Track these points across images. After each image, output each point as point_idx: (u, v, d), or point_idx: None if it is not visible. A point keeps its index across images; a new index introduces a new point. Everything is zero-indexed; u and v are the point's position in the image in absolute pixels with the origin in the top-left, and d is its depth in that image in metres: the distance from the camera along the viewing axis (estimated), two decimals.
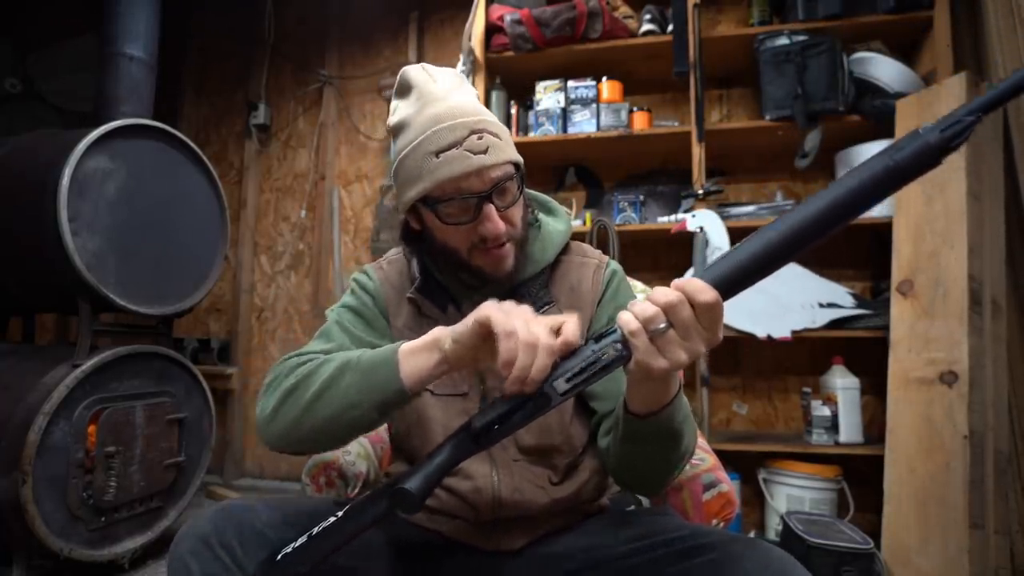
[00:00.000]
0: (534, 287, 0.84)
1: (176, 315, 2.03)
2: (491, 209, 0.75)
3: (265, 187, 3.10)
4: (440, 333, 0.67)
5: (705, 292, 0.55)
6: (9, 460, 1.55)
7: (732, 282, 0.56)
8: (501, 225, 0.75)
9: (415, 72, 0.81)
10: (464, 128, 0.74)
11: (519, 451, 0.81)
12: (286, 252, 3.04)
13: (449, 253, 0.79)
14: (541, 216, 0.89)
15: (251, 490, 2.78)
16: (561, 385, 0.60)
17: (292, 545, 0.64)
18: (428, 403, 0.83)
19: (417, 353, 0.67)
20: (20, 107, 2.92)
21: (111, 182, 1.81)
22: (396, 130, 0.81)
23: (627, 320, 0.57)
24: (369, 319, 0.87)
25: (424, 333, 0.73)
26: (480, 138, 0.74)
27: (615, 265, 0.92)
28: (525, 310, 0.62)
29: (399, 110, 0.81)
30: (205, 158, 2.10)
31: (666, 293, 0.56)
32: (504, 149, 0.76)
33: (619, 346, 0.59)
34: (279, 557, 0.64)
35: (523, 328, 0.59)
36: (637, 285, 1.20)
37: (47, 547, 1.58)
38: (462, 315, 0.76)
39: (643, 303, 0.57)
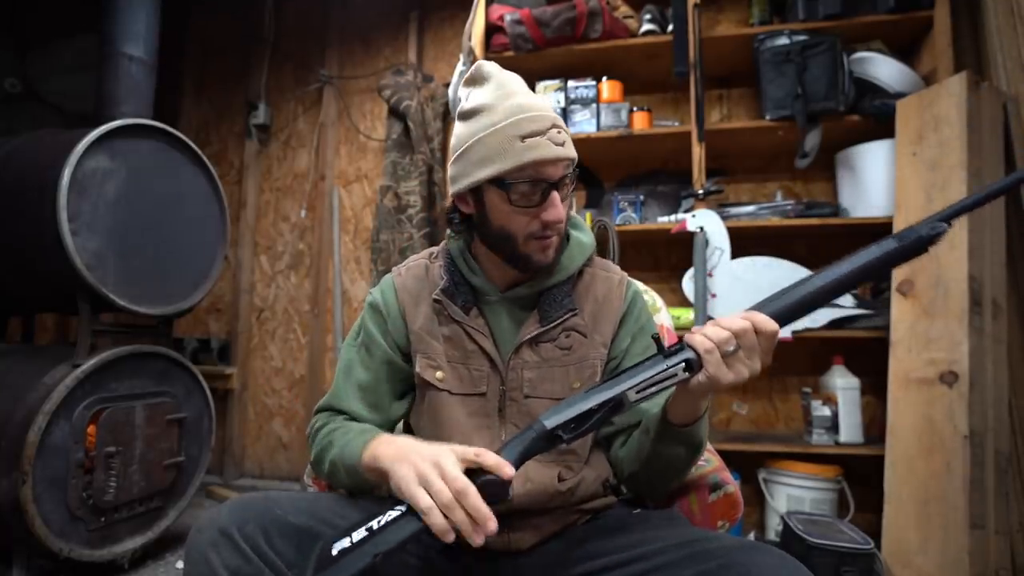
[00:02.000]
0: (559, 294, 0.88)
1: (176, 315, 2.03)
2: (557, 197, 0.81)
3: (265, 187, 3.10)
4: (390, 458, 0.72)
5: (770, 323, 0.68)
6: (9, 460, 1.55)
7: (786, 318, 0.70)
8: (563, 212, 0.81)
9: (492, 65, 0.87)
10: (547, 120, 0.80)
11: None
12: (286, 252, 3.04)
13: (504, 237, 0.83)
14: (570, 231, 0.94)
15: (251, 490, 2.77)
16: (632, 395, 0.69)
17: (349, 539, 0.64)
18: (446, 402, 0.86)
19: (372, 469, 0.76)
20: (20, 107, 2.92)
21: (111, 182, 1.81)
22: (472, 113, 0.84)
23: (701, 340, 0.68)
24: (378, 346, 0.91)
25: (442, 333, 0.88)
26: (559, 132, 0.81)
27: (637, 286, 0.98)
28: (427, 462, 0.67)
29: (474, 96, 0.85)
30: (205, 158, 2.10)
31: (738, 321, 0.68)
32: (572, 148, 0.83)
33: (690, 361, 0.69)
34: (335, 552, 0.63)
35: (434, 491, 0.64)
36: (639, 285, 1.20)
37: (47, 547, 1.58)
38: (483, 317, 0.88)
39: (715, 328, 0.68)
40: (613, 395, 0.69)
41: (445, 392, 0.86)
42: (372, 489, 0.80)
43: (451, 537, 0.63)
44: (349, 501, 0.84)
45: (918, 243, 0.71)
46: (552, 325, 0.86)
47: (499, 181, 0.80)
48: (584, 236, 0.94)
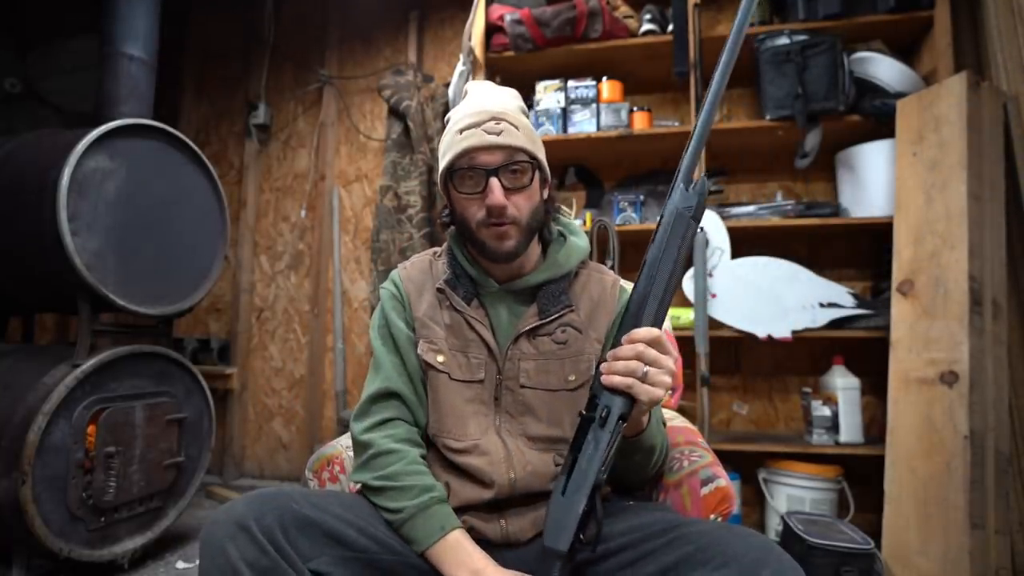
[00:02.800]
0: (556, 290, 0.93)
1: (176, 315, 2.02)
2: (495, 183, 0.85)
3: (265, 187, 3.10)
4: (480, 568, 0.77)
5: (650, 331, 0.74)
6: (9, 460, 1.55)
7: (659, 318, 0.76)
8: (501, 199, 0.85)
9: (474, 84, 0.97)
10: (486, 114, 0.87)
11: (527, 439, 0.89)
12: (286, 252, 3.04)
13: (464, 226, 0.90)
14: (564, 231, 1.00)
15: (251, 490, 2.77)
16: (602, 476, 0.73)
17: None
18: (445, 384, 0.91)
19: (450, 560, 0.79)
20: (20, 107, 2.91)
21: (111, 182, 1.81)
22: (445, 123, 0.95)
23: (621, 380, 0.72)
24: (399, 329, 0.95)
25: (443, 320, 0.93)
26: (497, 123, 0.86)
27: (629, 289, 1.00)
28: None
29: (453, 109, 0.95)
30: (205, 158, 2.10)
31: (631, 349, 0.73)
32: (519, 138, 0.87)
33: (624, 414, 0.73)
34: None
35: None
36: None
37: (47, 547, 1.58)
38: (484, 308, 0.94)
39: (622, 363, 0.73)
40: (591, 488, 0.72)
41: (445, 375, 0.91)
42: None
43: None
44: (361, 499, 0.87)
45: (700, 209, 0.78)
46: (550, 319, 0.91)
47: (448, 173, 0.89)
48: (579, 240, 0.99)
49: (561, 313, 0.91)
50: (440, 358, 0.91)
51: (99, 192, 1.77)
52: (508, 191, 0.86)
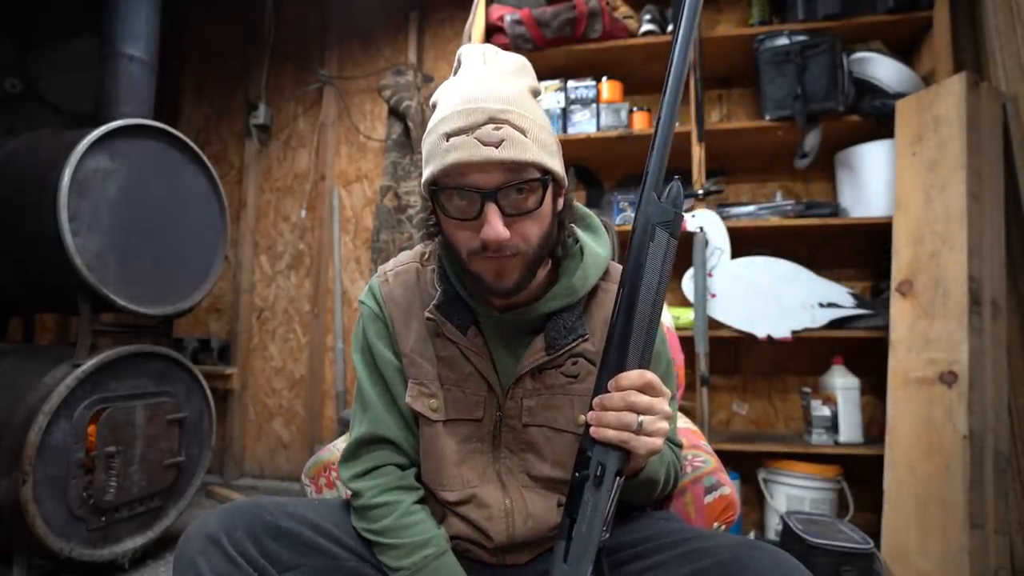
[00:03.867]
0: (569, 319, 0.78)
1: (176, 315, 2.02)
2: (492, 211, 0.66)
3: (265, 187, 3.10)
4: None
5: (641, 374, 0.64)
6: (9, 460, 1.55)
7: (645, 354, 0.66)
8: (502, 232, 0.66)
9: (468, 49, 0.75)
10: (482, 114, 0.66)
11: (531, 479, 0.81)
12: (286, 252, 3.04)
13: (453, 251, 0.73)
14: (582, 236, 0.81)
15: (251, 490, 2.78)
16: (605, 536, 0.66)
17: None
18: (438, 433, 0.80)
19: None
20: (20, 107, 2.91)
21: (111, 182, 1.81)
22: (432, 108, 0.74)
23: (613, 436, 0.63)
24: (385, 360, 0.83)
25: (435, 353, 0.79)
26: (497, 128, 0.65)
27: None
28: None
29: (441, 87, 0.74)
30: (205, 158, 2.10)
31: (620, 398, 0.64)
32: (526, 148, 0.66)
33: (620, 469, 0.65)
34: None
35: None
36: None
37: (47, 547, 1.58)
38: (482, 336, 0.79)
39: (610, 416, 0.64)
40: (595, 551, 0.66)
41: (438, 424, 0.80)
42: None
43: None
44: (339, 507, 0.84)
45: (677, 221, 0.67)
46: (559, 353, 0.78)
47: (432, 187, 0.70)
48: (600, 247, 0.81)
49: (573, 344, 0.78)
50: (432, 403, 0.79)
51: (100, 192, 1.77)
52: (511, 217, 0.67)
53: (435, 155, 0.68)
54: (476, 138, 0.65)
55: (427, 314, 0.79)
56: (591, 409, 0.66)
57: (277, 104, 3.09)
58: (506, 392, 0.79)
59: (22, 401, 1.62)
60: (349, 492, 0.83)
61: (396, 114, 2.69)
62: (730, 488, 0.93)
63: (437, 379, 0.80)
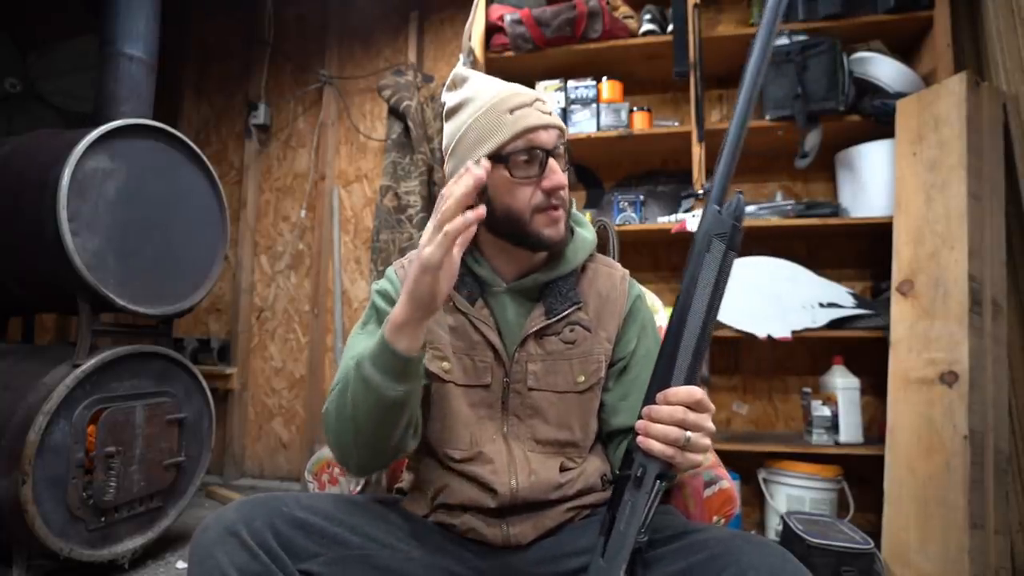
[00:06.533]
0: (564, 287, 0.89)
1: (176, 315, 2.02)
2: (555, 163, 0.82)
3: (265, 187, 3.11)
4: (400, 304, 0.71)
5: (691, 392, 0.67)
6: (9, 460, 1.55)
7: (694, 370, 0.68)
8: (563, 178, 0.82)
9: (468, 70, 0.91)
10: (530, 95, 0.84)
11: (536, 442, 0.85)
12: (286, 252, 3.04)
13: (512, 218, 0.83)
14: (574, 226, 0.95)
15: (251, 490, 2.78)
16: (641, 539, 0.68)
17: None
18: (450, 393, 0.86)
19: (396, 325, 0.70)
20: (20, 107, 2.91)
21: (111, 182, 1.81)
22: (458, 107, 0.87)
23: (660, 450, 0.66)
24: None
25: (447, 323, 0.87)
26: (544, 104, 0.84)
27: (639, 287, 0.98)
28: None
29: (457, 95, 0.88)
30: (205, 158, 2.10)
31: (670, 413, 0.66)
32: (560, 120, 0.85)
33: (661, 475, 0.68)
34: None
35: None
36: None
37: (47, 547, 1.58)
38: (488, 308, 0.88)
39: (657, 429, 0.66)
40: (630, 550, 0.67)
41: (451, 384, 0.86)
42: (398, 380, 0.71)
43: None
44: (351, 500, 0.85)
45: (735, 234, 0.69)
46: (558, 318, 0.87)
47: (497, 156, 0.82)
48: (587, 232, 0.95)
49: (569, 311, 0.87)
50: (444, 365, 0.85)
51: (99, 192, 1.77)
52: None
53: (500, 127, 0.82)
54: (536, 108, 0.82)
55: None
56: (640, 418, 0.69)
57: (277, 104, 3.09)
58: (512, 357, 0.86)
59: (22, 401, 1.62)
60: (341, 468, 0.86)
61: (396, 114, 2.69)
62: (729, 483, 0.93)
63: (449, 346, 0.87)
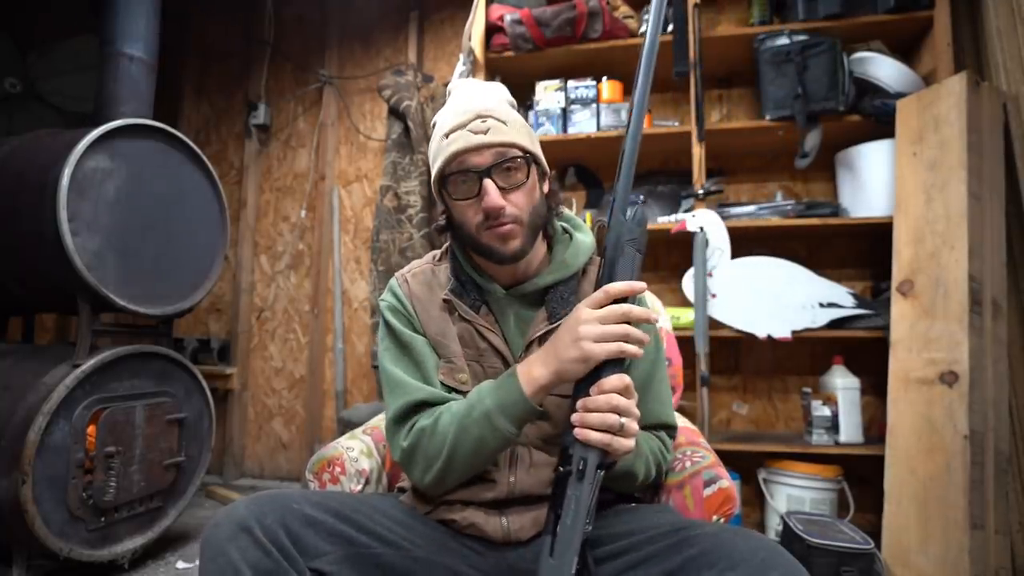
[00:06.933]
0: (565, 291, 0.90)
1: (176, 315, 2.02)
2: (489, 184, 0.82)
3: (265, 187, 3.10)
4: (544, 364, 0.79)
5: (621, 377, 0.73)
6: (9, 460, 1.55)
7: (619, 361, 0.74)
8: (498, 200, 0.81)
9: (458, 84, 0.94)
10: (470, 113, 0.84)
11: (543, 441, 0.87)
12: (286, 252, 3.04)
13: (465, 233, 0.87)
14: (569, 228, 0.97)
15: (251, 490, 2.78)
16: (588, 528, 0.70)
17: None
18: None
19: (541, 387, 0.79)
20: (20, 107, 2.91)
21: (111, 182, 1.81)
22: (432, 127, 0.91)
23: (598, 438, 0.70)
24: (412, 337, 0.92)
25: (456, 335, 0.90)
26: (483, 121, 0.83)
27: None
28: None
29: (438, 113, 0.92)
30: (205, 158, 2.10)
31: (605, 401, 0.71)
32: (506, 133, 0.83)
33: (601, 463, 0.72)
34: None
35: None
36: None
37: (47, 547, 1.58)
38: (493, 315, 0.91)
39: (593, 418, 0.71)
40: (580, 543, 0.70)
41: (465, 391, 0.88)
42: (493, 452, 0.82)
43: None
44: (357, 498, 0.87)
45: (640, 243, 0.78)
46: (560, 322, 0.86)
47: (441, 179, 0.86)
48: (585, 236, 0.96)
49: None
50: (461, 376, 0.88)
51: (99, 192, 1.77)
52: (504, 191, 0.83)
53: (439, 152, 0.85)
54: (468, 130, 0.83)
55: (444, 296, 0.92)
56: (574, 411, 0.74)
57: (277, 104, 3.09)
58: (518, 362, 0.86)
59: (22, 401, 1.62)
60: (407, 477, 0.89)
61: (396, 114, 2.69)
62: (728, 482, 0.94)
63: (462, 356, 0.90)
